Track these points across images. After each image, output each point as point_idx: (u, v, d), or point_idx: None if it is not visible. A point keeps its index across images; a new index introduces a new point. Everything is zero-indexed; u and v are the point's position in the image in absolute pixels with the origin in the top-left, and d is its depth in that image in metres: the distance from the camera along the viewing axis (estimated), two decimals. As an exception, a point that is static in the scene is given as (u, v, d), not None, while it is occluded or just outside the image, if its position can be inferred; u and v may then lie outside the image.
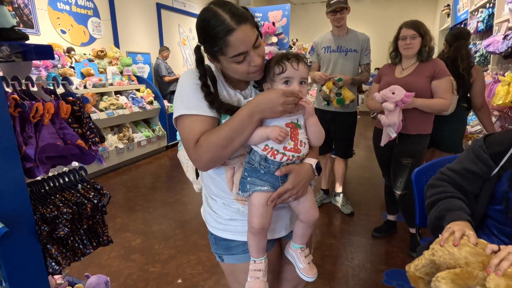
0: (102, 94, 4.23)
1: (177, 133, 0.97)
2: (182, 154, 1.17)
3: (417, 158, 2.01)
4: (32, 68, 3.43)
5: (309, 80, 2.84)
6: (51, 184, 1.15)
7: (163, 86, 5.60)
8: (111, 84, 4.36)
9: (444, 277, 0.76)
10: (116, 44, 5.06)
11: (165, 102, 5.09)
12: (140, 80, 5.00)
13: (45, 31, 4.00)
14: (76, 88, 3.75)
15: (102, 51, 4.52)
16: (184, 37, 6.89)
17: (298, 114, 0.89)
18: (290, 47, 5.58)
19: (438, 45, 5.61)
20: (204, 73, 0.88)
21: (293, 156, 0.86)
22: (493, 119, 2.82)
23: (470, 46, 3.76)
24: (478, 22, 3.73)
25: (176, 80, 5.47)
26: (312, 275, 0.97)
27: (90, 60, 4.32)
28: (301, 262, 0.99)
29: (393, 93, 1.81)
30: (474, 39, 4.01)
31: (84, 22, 4.55)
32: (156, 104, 4.90)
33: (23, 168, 0.99)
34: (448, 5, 5.98)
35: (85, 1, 4.54)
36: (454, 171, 1.10)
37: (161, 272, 2.03)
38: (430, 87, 1.93)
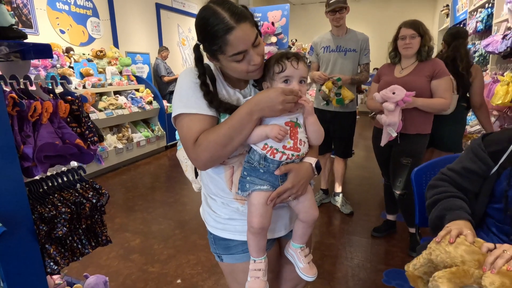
0: (101, 94, 4.22)
1: (176, 132, 0.97)
2: (181, 154, 1.17)
3: (417, 158, 2.01)
4: (31, 68, 3.42)
5: (308, 80, 2.84)
6: (50, 184, 1.15)
7: (162, 86, 5.59)
8: (110, 84, 4.35)
9: (441, 276, 0.76)
10: (115, 44, 5.05)
11: (164, 102, 5.09)
12: (139, 80, 4.99)
13: (44, 31, 3.99)
14: (75, 88, 3.74)
15: (101, 51, 4.52)
16: (184, 37, 6.88)
17: (298, 113, 0.89)
18: (290, 47, 5.57)
19: (437, 45, 5.61)
20: (203, 71, 0.88)
21: (292, 155, 0.86)
22: (492, 119, 2.83)
23: (469, 46, 3.77)
24: (477, 22, 3.73)
25: (175, 80, 5.46)
26: (312, 274, 0.97)
27: (89, 60, 4.31)
28: (301, 262, 0.98)
29: (394, 93, 1.81)
30: (473, 39, 4.02)
31: (83, 22, 4.55)
32: (155, 104, 4.90)
33: (21, 168, 0.99)
34: (447, 5, 5.99)
35: (84, 1, 4.53)
36: (454, 171, 1.11)
37: (160, 272, 2.03)
38: (429, 86, 1.93)
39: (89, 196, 1.17)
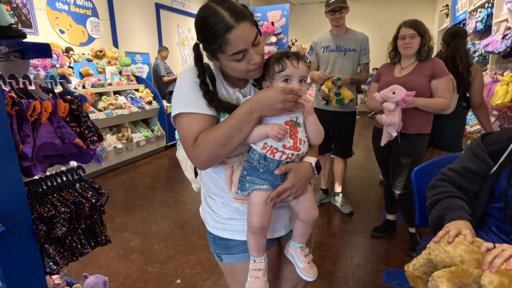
0: (101, 94, 4.22)
1: (176, 132, 0.97)
2: (180, 153, 1.17)
3: (416, 158, 2.00)
4: (31, 68, 3.42)
5: (308, 80, 2.83)
6: (49, 183, 1.14)
7: (162, 86, 5.59)
8: (110, 84, 4.35)
9: (440, 276, 0.76)
10: (115, 44, 5.05)
11: (164, 102, 5.08)
12: (139, 80, 4.99)
13: (43, 31, 3.99)
14: (75, 88, 3.74)
15: (101, 51, 4.51)
16: (183, 37, 6.88)
17: (298, 113, 0.88)
18: (289, 47, 5.58)
19: (437, 45, 5.61)
20: (202, 71, 0.87)
21: (292, 154, 0.86)
22: (492, 119, 2.83)
23: (469, 46, 3.77)
24: (476, 22, 3.73)
25: (175, 80, 5.45)
26: (312, 274, 0.97)
27: (89, 60, 4.31)
28: (301, 262, 0.98)
29: (394, 93, 1.81)
30: (473, 39, 4.02)
31: (83, 22, 4.54)
32: (155, 104, 4.89)
33: (21, 167, 0.98)
34: (447, 5, 5.99)
35: (84, 1, 4.53)
36: (454, 171, 1.11)
37: (160, 272, 2.02)
38: (429, 86, 1.93)
39: (89, 196, 1.17)
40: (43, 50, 1.17)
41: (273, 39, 4.26)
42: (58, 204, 1.08)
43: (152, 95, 4.91)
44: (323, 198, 3.00)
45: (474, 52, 3.67)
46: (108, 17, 4.94)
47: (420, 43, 1.93)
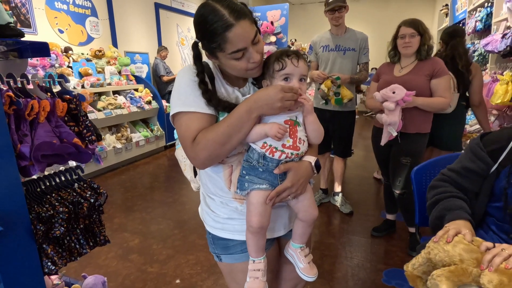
0: (100, 94, 4.21)
1: (175, 131, 0.96)
2: (179, 153, 1.16)
3: (416, 157, 2.00)
4: (29, 68, 3.41)
5: (308, 80, 2.83)
6: (47, 183, 1.14)
7: (162, 86, 5.58)
8: (109, 84, 4.34)
9: (439, 275, 0.76)
10: (114, 44, 5.04)
11: (164, 102, 5.07)
12: (138, 80, 4.98)
13: (42, 31, 3.98)
14: (74, 88, 3.73)
15: (100, 51, 4.50)
16: (183, 37, 6.88)
17: (297, 112, 0.88)
18: (289, 46, 5.57)
19: (436, 44, 5.61)
20: (201, 69, 0.87)
21: (291, 153, 0.85)
22: (492, 118, 2.83)
23: (469, 45, 3.77)
24: (476, 21, 3.73)
25: (174, 80, 5.45)
26: (312, 274, 0.96)
27: (88, 60, 4.30)
28: (301, 262, 0.97)
29: (394, 92, 1.80)
30: (473, 38, 4.02)
31: (82, 22, 4.53)
32: (154, 104, 4.88)
33: (18, 167, 0.98)
34: (447, 4, 5.99)
35: (83, 0, 4.52)
36: (454, 171, 1.11)
37: (159, 273, 2.02)
38: (429, 85, 1.93)
39: (87, 195, 1.16)
40: (41, 49, 1.17)
41: (273, 38, 4.25)
42: (56, 204, 1.07)
43: (152, 95, 4.90)
44: (322, 198, 3.00)
45: (474, 51, 3.67)
46: (107, 16, 4.93)
47: (420, 42, 1.93)
